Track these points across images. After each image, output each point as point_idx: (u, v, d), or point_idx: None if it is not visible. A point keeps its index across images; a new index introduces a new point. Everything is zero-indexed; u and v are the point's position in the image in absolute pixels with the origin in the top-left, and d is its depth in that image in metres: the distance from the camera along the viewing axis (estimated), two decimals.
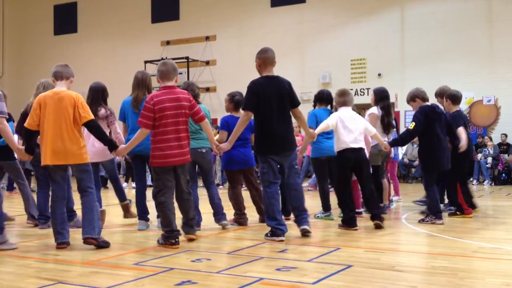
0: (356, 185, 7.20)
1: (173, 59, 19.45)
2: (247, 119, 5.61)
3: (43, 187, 6.45)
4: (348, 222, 6.21)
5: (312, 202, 8.59)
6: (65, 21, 22.58)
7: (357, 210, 7.11)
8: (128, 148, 5.38)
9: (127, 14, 21.21)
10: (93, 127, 5.18)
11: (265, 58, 5.67)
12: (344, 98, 6.46)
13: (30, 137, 5.28)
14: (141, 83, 6.20)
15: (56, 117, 5.06)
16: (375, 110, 7.59)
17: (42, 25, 23.03)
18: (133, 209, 6.71)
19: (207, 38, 19.81)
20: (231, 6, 19.39)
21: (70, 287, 3.69)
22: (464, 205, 7.20)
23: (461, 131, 7.10)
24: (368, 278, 3.97)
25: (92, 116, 5.16)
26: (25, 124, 5.21)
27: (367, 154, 7.29)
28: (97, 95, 6.48)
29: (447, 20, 16.27)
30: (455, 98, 7.44)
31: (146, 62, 18.91)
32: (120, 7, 21.42)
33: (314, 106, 7.49)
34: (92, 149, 6.06)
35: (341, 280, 3.82)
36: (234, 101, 6.72)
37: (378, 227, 6.19)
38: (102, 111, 6.39)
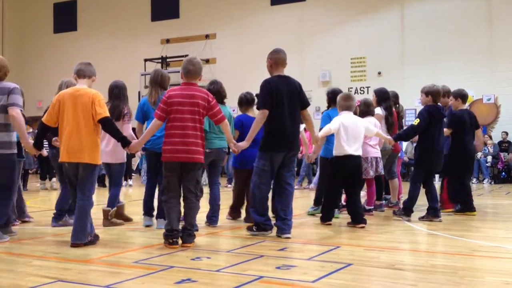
0: (371, 183, 7.29)
1: (173, 57, 19.53)
2: (263, 117, 5.54)
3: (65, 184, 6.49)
4: (323, 218, 6.48)
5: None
6: (65, 19, 22.59)
7: (368, 208, 7.30)
8: (142, 142, 5.35)
9: (127, 12, 21.21)
10: (107, 124, 5.13)
11: (276, 59, 5.68)
12: (350, 102, 6.48)
13: (43, 133, 5.31)
14: (153, 81, 6.20)
15: (74, 114, 5.06)
16: (379, 110, 7.71)
17: (42, 23, 23.04)
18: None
19: (207, 36, 19.81)
20: (231, 4, 19.39)
21: (70, 285, 3.69)
22: (445, 198, 7.35)
23: (445, 131, 7.29)
24: (368, 276, 3.97)
25: (107, 114, 5.12)
26: (43, 119, 5.22)
27: (379, 153, 7.39)
28: (125, 93, 6.50)
29: (447, 18, 16.28)
30: (465, 97, 7.62)
31: (146, 60, 18.92)
32: (120, 5, 21.41)
33: (328, 106, 7.44)
34: (106, 149, 6.09)
35: (341, 279, 3.82)
36: (246, 100, 6.76)
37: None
38: (125, 109, 6.40)
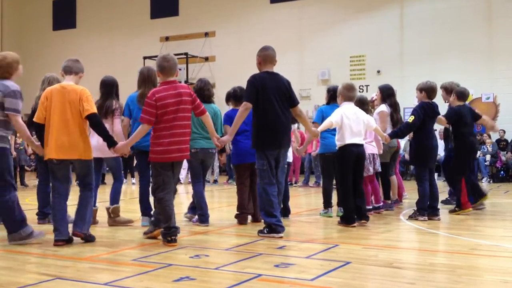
0: (372, 179, 7.26)
1: None
2: (245, 109, 5.55)
3: (42, 183, 6.45)
4: (347, 219, 6.21)
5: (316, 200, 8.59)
6: (64, 16, 22.56)
7: (375, 205, 7.27)
8: (128, 145, 5.31)
9: (126, 10, 21.18)
10: (95, 121, 5.11)
11: (265, 56, 5.68)
12: (352, 93, 6.47)
13: (42, 131, 5.26)
14: (147, 79, 6.17)
15: (62, 111, 5.05)
16: (384, 107, 7.64)
17: (41, 21, 23.00)
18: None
19: (206, 34, 19.79)
20: (230, 2, 19.37)
21: (68, 283, 3.69)
22: (463, 200, 7.27)
23: (440, 119, 7.22)
24: (366, 275, 3.97)
25: (95, 110, 5.10)
26: (34, 119, 5.19)
27: (380, 151, 7.34)
28: (110, 89, 6.40)
29: (446, 17, 16.27)
30: (462, 95, 7.55)
31: (145, 58, 18.88)
32: (119, 2, 21.39)
33: (328, 102, 7.33)
34: (96, 144, 6.04)
35: (339, 277, 3.83)
36: (233, 95, 6.72)
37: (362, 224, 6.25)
38: (113, 105, 6.33)
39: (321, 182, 12.39)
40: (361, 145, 6.34)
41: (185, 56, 18.64)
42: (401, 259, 4.56)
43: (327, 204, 7.15)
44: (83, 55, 22.31)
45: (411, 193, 9.80)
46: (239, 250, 4.88)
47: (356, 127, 6.28)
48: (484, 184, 13.94)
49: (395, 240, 5.56)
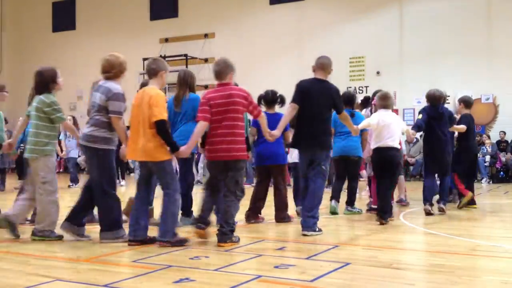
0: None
1: (172, 56, 19.49)
2: (292, 109, 5.88)
3: None
4: (378, 216, 6.46)
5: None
6: (64, 18, 22.57)
7: (373, 206, 7.40)
8: (190, 147, 5.29)
9: (126, 11, 21.20)
10: (160, 128, 5.02)
11: (318, 63, 6.06)
12: (385, 102, 6.85)
13: None
14: (182, 82, 6.20)
15: (137, 114, 5.13)
16: (368, 113, 8.01)
17: (41, 22, 23.01)
18: None
19: (205, 35, 19.80)
20: (230, 3, 19.38)
21: (68, 284, 3.69)
22: (461, 189, 7.97)
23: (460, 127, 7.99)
24: (366, 276, 3.97)
25: (162, 116, 5.02)
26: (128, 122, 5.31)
27: (367, 154, 7.48)
28: None
29: (445, 18, 16.27)
30: (468, 103, 8.40)
31: (144, 59, 18.86)
32: (119, 4, 21.40)
33: None
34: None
35: (339, 278, 3.83)
36: (265, 98, 6.93)
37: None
38: None
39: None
40: (392, 149, 6.63)
41: (185, 58, 18.65)
42: (401, 260, 4.56)
43: (333, 197, 7.42)
44: (83, 57, 22.37)
45: (411, 194, 9.81)
46: (239, 251, 4.88)
47: (388, 131, 6.63)
48: (484, 185, 13.95)
49: (395, 241, 5.57)
